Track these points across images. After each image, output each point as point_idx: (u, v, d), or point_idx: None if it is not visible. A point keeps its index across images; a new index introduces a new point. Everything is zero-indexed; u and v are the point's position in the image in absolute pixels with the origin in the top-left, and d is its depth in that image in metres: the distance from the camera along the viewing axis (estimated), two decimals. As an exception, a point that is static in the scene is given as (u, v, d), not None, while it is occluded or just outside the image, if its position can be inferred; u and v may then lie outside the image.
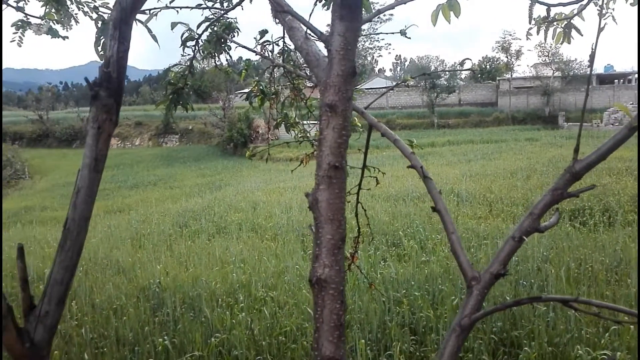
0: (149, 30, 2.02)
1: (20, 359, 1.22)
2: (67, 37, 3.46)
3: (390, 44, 63.17)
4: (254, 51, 2.32)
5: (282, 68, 2.63)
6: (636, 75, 46.13)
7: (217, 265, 8.52)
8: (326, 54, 1.26)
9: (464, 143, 33.90)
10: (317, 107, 3.04)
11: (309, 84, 2.60)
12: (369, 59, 64.06)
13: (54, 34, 3.32)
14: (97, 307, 6.50)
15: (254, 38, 2.43)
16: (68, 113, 60.83)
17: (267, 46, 2.47)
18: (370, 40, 54.53)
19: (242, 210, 15.11)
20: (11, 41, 3.38)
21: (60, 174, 38.83)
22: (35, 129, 53.48)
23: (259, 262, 8.62)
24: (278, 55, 2.58)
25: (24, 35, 3.39)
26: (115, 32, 1.24)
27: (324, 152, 1.16)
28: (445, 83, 47.86)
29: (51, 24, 3.25)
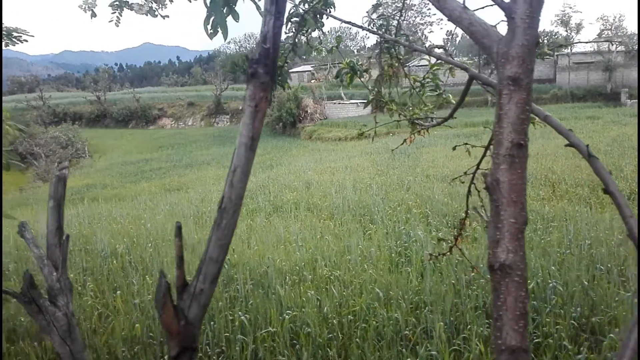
0: (257, 7, 1.98)
1: (176, 336, 1.23)
2: (168, 16, 3.50)
3: (442, 19, 61.28)
4: (360, 26, 2.24)
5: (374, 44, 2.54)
6: None
7: (280, 244, 8.63)
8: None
9: (519, 122, 32.60)
10: (417, 85, 2.96)
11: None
12: (419, 34, 62.49)
13: (152, 13, 3.37)
14: (170, 281, 6.71)
15: (367, 12, 2.34)
16: (124, 94, 62.85)
17: (375, 21, 2.38)
18: (422, 16, 53.06)
19: (296, 190, 15.24)
20: (109, 21, 3.46)
21: (118, 153, 40.35)
22: (93, 109, 55.63)
23: (320, 241, 8.66)
24: (381, 29, 2.49)
25: (121, 15, 3.45)
26: (272, 7, 1.20)
27: (505, 129, 1.09)
28: (500, 59, 45.97)
29: (151, 3, 3.30)
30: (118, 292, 6.49)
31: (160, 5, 3.40)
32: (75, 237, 10.16)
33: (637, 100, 35.87)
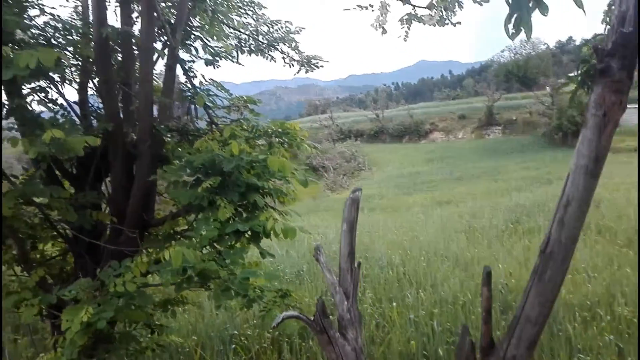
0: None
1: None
2: (459, 23, 3.47)
3: None
4: None
5: None
6: None
7: (570, 271, 7.63)
8: None
9: None
10: None
11: None
12: None
13: (442, 23, 3.39)
14: (442, 300, 6.62)
15: None
16: (399, 111, 66.80)
17: None
18: None
19: (584, 209, 13.37)
20: (398, 37, 3.64)
21: (393, 167, 42.87)
22: (372, 126, 60.74)
23: (617, 273, 7.32)
24: None
25: (409, 29, 3.58)
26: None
27: None
28: None
29: (441, 12, 3.32)
30: (394, 303, 6.70)
31: (450, 13, 3.36)
32: (358, 245, 11.01)
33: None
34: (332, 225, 14.12)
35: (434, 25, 3.44)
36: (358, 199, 3.27)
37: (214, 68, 4.28)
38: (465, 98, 79.54)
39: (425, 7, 3.50)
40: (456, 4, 3.38)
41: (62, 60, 3.00)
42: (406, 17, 3.56)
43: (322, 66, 6.50)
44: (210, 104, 3.87)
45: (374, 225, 14.32)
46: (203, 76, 4.05)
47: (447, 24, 3.44)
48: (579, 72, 2.27)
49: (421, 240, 10.91)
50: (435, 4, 3.47)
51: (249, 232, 3.16)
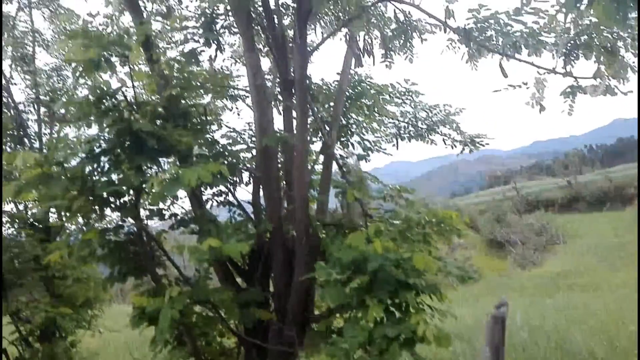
0: None
1: None
2: (631, 91, 3.09)
3: None
4: None
5: None
6: None
7: None
8: None
9: None
10: None
11: None
12: None
13: (612, 92, 3.04)
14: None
15: None
16: (596, 175, 59.73)
17: None
18: None
19: None
20: (561, 111, 3.36)
21: (592, 238, 37.73)
22: (564, 194, 54.98)
23: None
24: None
25: (574, 102, 3.30)
26: None
27: None
28: None
29: (607, 81, 3.00)
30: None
31: (621, 81, 2.97)
32: (551, 332, 9.68)
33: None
34: (519, 308, 12.69)
35: (603, 95, 3.05)
36: (503, 317, 2.78)
37: (366, 162, 4.41)
38: (682, 155, 67.84)
39: (590, 77, 3.15)
40: (628, 69, 2.95)
41: (221, 174, 3.37)
42: (568, 89, 3.25)
43: (487, 144, 6.30)
44: (362, 198, 3.94)
45: (570, 306, 12.52)
46: (359, 169, 4.19)
47: (617, 93, 3.02)
48: None
49: (632, 329, 9.12)
50: (605, 71, 3.10)
51: (402, 336, 2.99)
